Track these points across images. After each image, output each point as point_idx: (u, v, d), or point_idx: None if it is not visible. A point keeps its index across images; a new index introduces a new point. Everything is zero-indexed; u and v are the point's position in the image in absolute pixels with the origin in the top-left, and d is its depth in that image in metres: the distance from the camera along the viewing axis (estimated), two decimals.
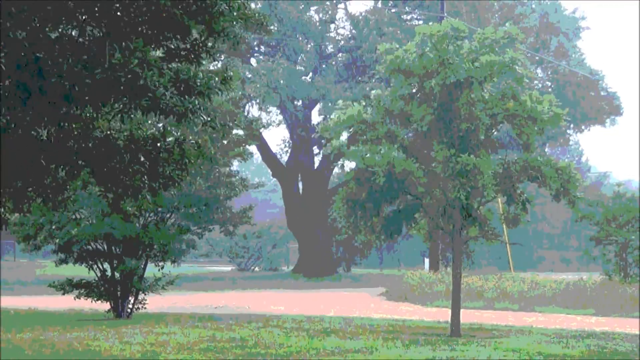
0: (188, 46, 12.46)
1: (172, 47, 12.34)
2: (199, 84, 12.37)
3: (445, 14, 43.31)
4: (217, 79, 12.64)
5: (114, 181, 12.71)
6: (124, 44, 11.68)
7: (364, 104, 21.26)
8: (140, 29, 11.91)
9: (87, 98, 11.67)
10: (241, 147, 43.77)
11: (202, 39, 12.56)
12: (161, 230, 25.11)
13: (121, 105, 12.01)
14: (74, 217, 24.32)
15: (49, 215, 23.58)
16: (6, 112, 11.55)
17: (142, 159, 12.47)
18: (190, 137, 13.05)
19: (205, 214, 26.36)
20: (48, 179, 12.64)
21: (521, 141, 20.70)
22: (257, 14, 13.06)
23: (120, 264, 24.80)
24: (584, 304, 30.16)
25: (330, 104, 46.85)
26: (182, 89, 12.14)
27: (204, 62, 12.74)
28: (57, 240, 24.55)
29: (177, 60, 12.40)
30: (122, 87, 11.56)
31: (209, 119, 12.78)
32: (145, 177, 12.67)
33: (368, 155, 19.68)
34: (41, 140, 12.10)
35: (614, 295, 30.58)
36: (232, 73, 13.11)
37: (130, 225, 24.66)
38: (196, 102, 12.37)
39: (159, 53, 12.22)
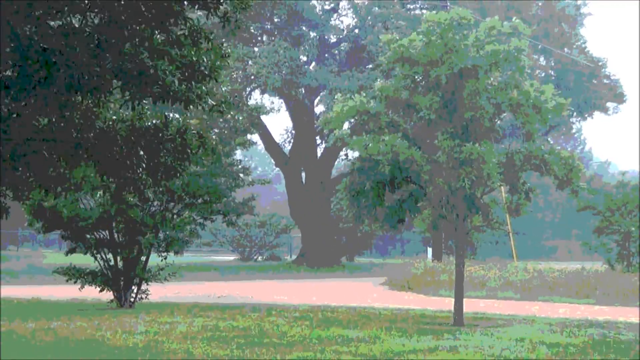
0: (186, 32, 12.41)
1: (174, 33, 12.28)
2: (204, 67, 12.34)
3: (449, 3, 43.27)
4: (212, 56, 12.59)
5: (115, 172, 12.70)
6: (130, 29, 11.66)
7: (364, 94, 21.24)
8: (141, 16, 11.87)
9: (94, 87, 11.64)
10: (244, 137, 43.74)
11: (201, 24, 12.53)
12: (165, 220, 25.12)
13: (129, 95, 12.01)
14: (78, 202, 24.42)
15: (50, 197, 23.52)
16: (9, 102, 11.54)
17: (143, 149, 12.45)
18: (192, 127, 12.95)
19: (209, 205, 26.30)
20: (49, 169, 12.62)
21: (524, 130, 20.70)
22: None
23: (124, 251, 24.83)
24: (586, 294, 30.16)
25: (331, 94, 46.87)
26: (187, 74, 12.11)
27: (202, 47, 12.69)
28: (65, 212, 24.41)
29: (178, 45, 12.33)
30: (131, 77, 11.56)
31: (214, 103, 12.76)
32: (146, 167, 12.66)
33: (371, 144, 19.67)
34: (43, 130, 12.08)
35: (616, 284, 30.59)
36: (229, 50, 13.06)
37: (134, 211, 24.66)
38: (202, 87, 12.35)
39: (161, 38, 12.17)
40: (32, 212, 24.61)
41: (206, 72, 12.32)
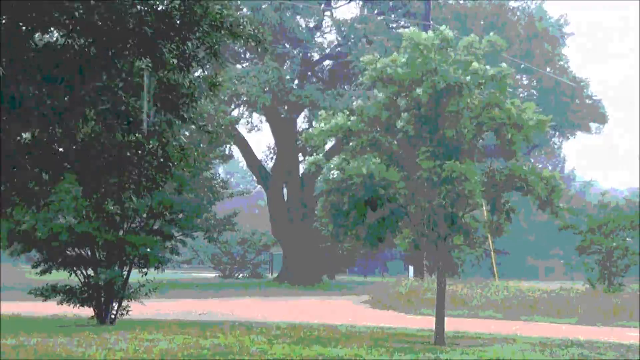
0: (177, 54, 12.36)
1: (162, 54, 12.18)
2: (185, 89, 12.30)
3: (431, 22, 43.37)
4: (203, 86, 12.58)
5: (98, 183, 12.68)
6: (112, 54, 11.60)
7: (347, 113, 21.21)
8: (128, 40, 11.81)
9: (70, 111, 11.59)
10: (221, 148, 43.61)
11: (193, 49, 12.47)
12: (144, 237, 24.94)
13: (102, 124, 11.97)
14: (57, 219, 24.19)
15: (32, 216, 23.34)
16: None
17: (126, 161, 12.42)
18: (173, 140, 12.88)
19: (190, 220, 26.20)
20: (32, 183, 12.59)
21: (506, 148, 20.70)
22: (251, 29, 12.94)
23: (103, 271, 24.63)
24: (567, 313, 30.21)
25: (316, 111, 46.88)
26: (169, 98, 12.07)
27: (192, 70, 12.66)
28: (40, 234, 24.27)
29: (165, 69, 12.27)
30: (105, 109, 11.51)
31: (201, 123, 12.72)
32: (130, 179, 12.65)
33: (347, 164, 19.65)
34: (26, 144, 12.06)
35: (598, 304, 30.64)
36: (221, 79, 13.03)
37: (112, 231, 24.49)
38: (182, 117, 12.30)
39: (145, 63, 12.09)
40: (8, 238, 24.48)
41: (189, 92, 12.26)
